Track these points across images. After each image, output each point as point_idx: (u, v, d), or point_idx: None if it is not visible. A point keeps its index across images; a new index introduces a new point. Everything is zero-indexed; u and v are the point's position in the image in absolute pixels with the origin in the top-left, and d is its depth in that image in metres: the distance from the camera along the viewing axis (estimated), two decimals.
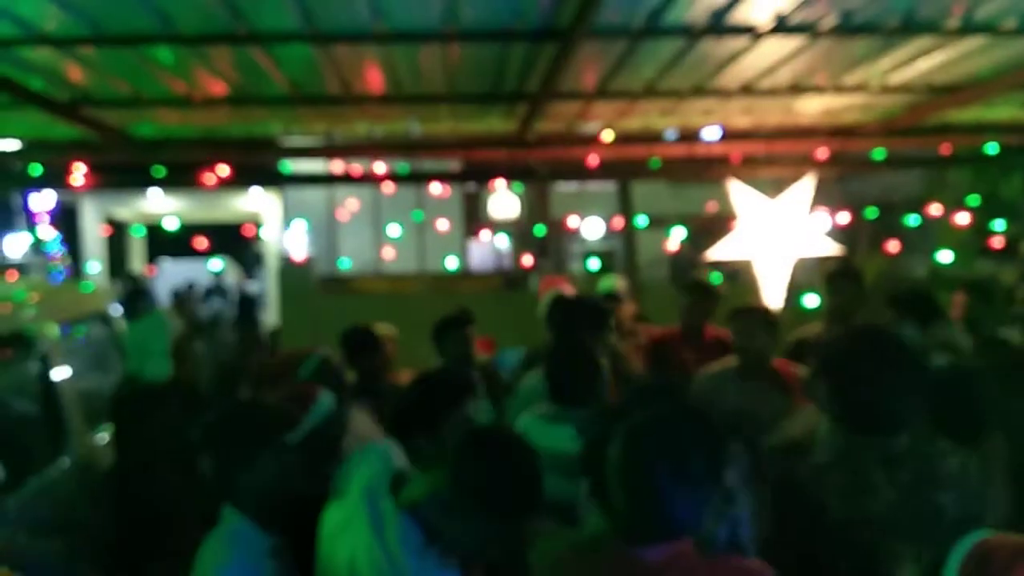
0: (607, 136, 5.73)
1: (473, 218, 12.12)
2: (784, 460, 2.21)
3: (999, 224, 6.75)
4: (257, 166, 6.51)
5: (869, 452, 1.99)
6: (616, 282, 4.76)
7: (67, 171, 5.53)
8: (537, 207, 10.97)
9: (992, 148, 5.83)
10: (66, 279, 9.70)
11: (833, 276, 4.23)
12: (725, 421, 3.42)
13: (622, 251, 7.68)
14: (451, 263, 8.93)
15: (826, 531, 1.89)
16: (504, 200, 10.66)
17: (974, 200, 7.44)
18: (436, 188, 7.04)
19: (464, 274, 11.51)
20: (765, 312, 3.68)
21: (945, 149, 5.95)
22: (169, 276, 16.04)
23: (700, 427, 1.72)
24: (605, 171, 6.05)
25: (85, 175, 5.53)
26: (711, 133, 5.62)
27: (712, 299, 4.32)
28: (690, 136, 5.73)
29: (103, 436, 4.06)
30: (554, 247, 12.21)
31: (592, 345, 3.11)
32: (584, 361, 2.85)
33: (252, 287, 15.82)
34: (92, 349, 4.68)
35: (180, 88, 4.62)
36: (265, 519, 2.14)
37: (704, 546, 1.69)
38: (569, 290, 4.17)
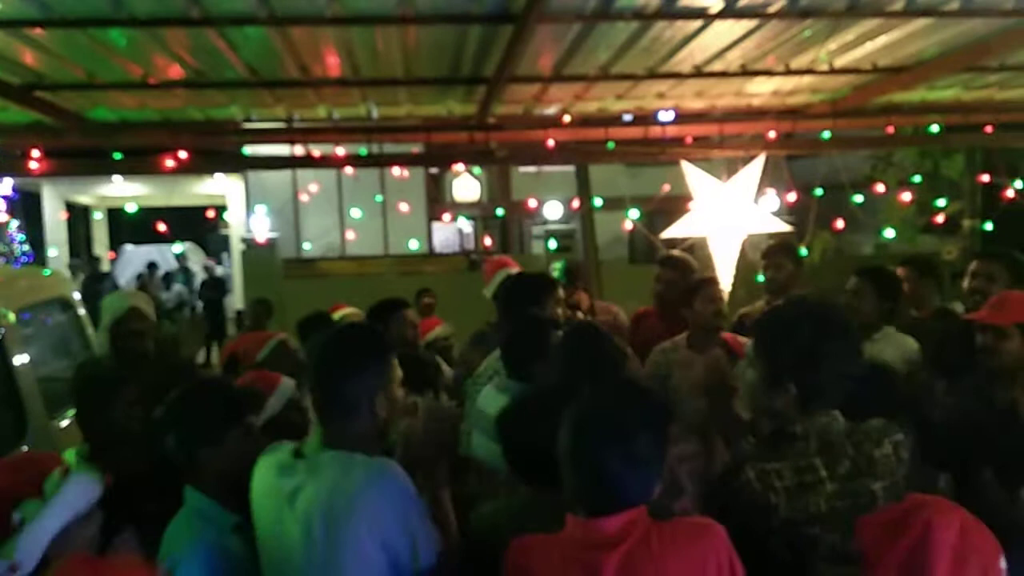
0: (567, 117, 5.82)
1: (436, 200, 12.11)
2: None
3: (941, 202, 6.98)
4: (217, 150, 6.48)
5: (809, 441, 1.99)
6: (562, 266, 4.77)
7: (22, 156, 5.47)
8: (498, 189, 11.02)
9: (935, 128, 6.02)
10: (25, 265, 9.56)
11: (771, 252, 4.30)
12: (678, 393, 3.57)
13: (581, 231, 7.78)
14: (415, 245, 8.96)
15: (775, 530, 1.91)
16: (466, 182, 10.69)
17: (917, 179, 7.68)
18: (397, 170, 7.07)
19: (428, 255, 11.54)
20: (718, 282, 3.82)
21: (890, 129, 6.12)
22: (131, 261, 15.85)
23: (644, 408, 1.77)
24: (563, 153, 6.13)
25: (40, 160, 5.46)
26: (665, 115, 5.73)
27: (688, 274, 4.27)
28: (645, 118, 5.83)
29: (65, 422, 4.06)
30: (516, 228, 12.27)
31: (543, 319, 3.18)
32: (531, 336, 2.88)
33: (217, 270, 15.71)
34: (53, 335, 4.66)
35: (136, 71, 4.59)
36: (227, 498, 2.16)
37: (655, 512, 1.76)
38: (516, 271, 4.18)
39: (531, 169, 11.22)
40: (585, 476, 1.72)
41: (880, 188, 6.86)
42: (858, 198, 6.58)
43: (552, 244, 9.67)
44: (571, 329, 2.98)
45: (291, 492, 1.96)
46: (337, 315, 4.88)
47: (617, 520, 1.69)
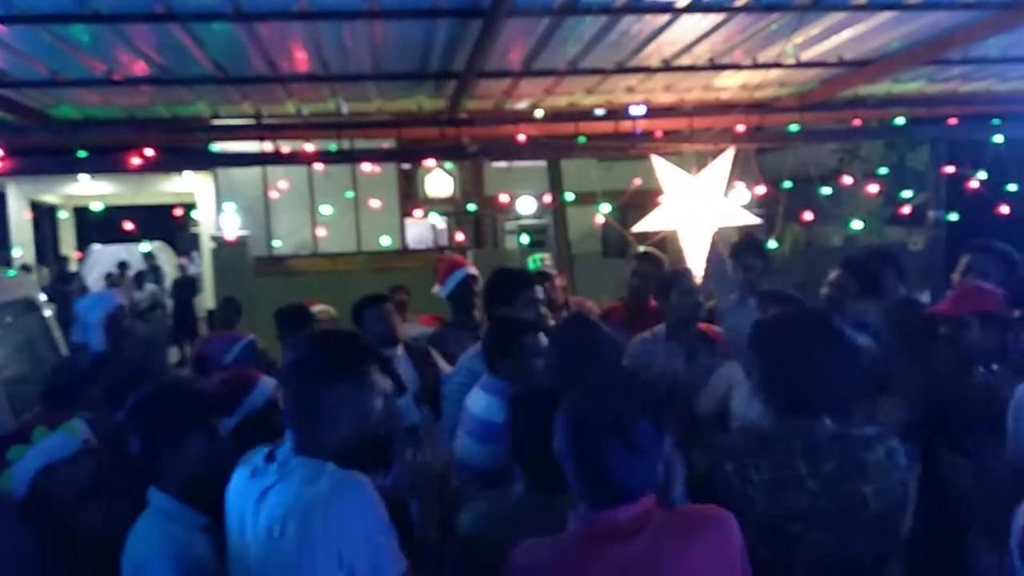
0: (538, 112, 5.82)
1: (408, 196, 12.06)
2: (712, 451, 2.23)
3: (907, 193, 7.10)
4: (184, 147, 6.40)
5: (793, 441, 2.00)
6: (544, 259, 4.83)
7: None
8: (471, 185, 11.00)
9: (900, 121, 6.11)
10: None
11: (738, 252, 4.30)
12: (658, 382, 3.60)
13: (554, 226, 7.81)
14: (387, 241, 8.92)
15: (752, 525, 1.90)
16: (438, 178, 10.65)
17: (884, 171, 7.80)
18: (368, 166, 7.04)
19: (401, 251, 11.49)
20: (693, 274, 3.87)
21: (857, 122, 6.21)
22: (99, 260, 15.61)
23: (641, 397, 1.75)
24: (534, 148, 6.14)
25: (3, 159, 5.37)
26: (636, 110, 5.76)
27: (663, 269, 4.30)
28: (615, 113, 5.85)
29: None
30: (488, 223, 12.27)
31: (523, 317, 3.19)
32: (506, 336, 2.88)
33: (191, 269, 15.53)
34: (17, 336, 4.59)
35: (100, 68, 4.53)
36: (193, 499, 2.14)
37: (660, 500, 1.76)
38: (472, 270, 4.18)
39: (503, 164, 11.21)
40: (588, 470, 1.70)
41: (847, 180, 6.96)
42: (826, 190, 6.67)
43: (525, 239, 9.67)
44: (566, 321, 2.99)
45: (260, 493, 1.95)
46: (312, 311, 4.85)
47: (627, 510, 1.68)
